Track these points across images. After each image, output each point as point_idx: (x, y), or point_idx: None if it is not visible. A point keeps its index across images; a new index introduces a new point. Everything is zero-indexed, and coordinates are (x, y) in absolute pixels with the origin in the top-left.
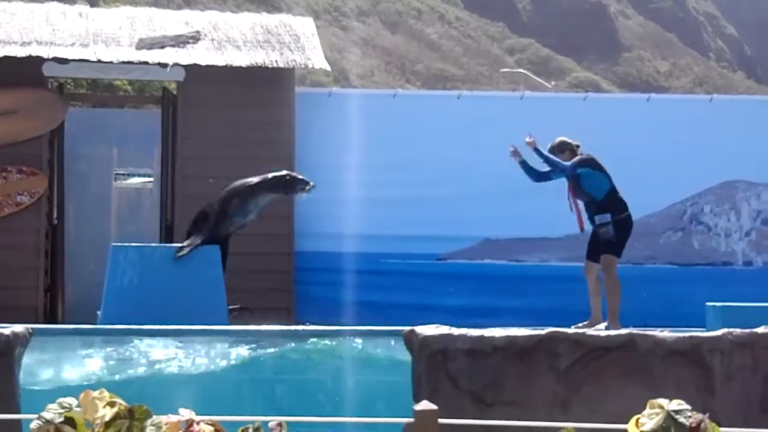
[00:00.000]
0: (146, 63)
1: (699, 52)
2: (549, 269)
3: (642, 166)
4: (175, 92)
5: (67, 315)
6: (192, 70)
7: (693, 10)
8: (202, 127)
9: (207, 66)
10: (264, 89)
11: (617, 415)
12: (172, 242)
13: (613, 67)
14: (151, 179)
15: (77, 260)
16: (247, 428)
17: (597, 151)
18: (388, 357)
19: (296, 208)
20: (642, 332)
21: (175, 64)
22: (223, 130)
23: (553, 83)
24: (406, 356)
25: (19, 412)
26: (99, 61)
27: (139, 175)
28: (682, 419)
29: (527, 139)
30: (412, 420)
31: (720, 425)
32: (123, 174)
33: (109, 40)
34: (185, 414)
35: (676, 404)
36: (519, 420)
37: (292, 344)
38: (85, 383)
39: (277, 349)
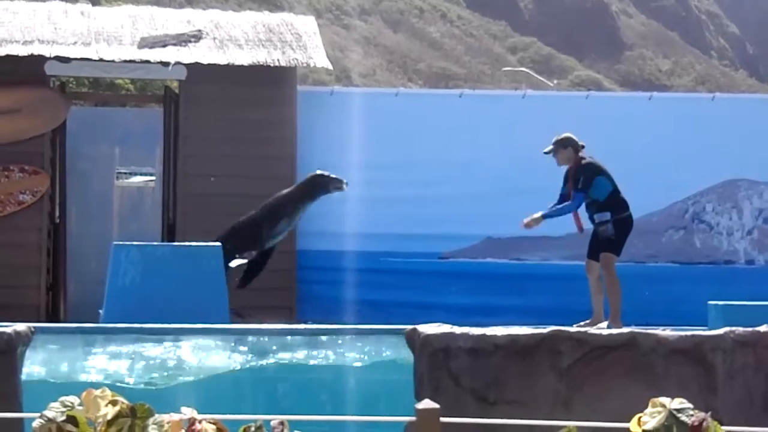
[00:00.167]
0: (148, 62)
1: (701, 51)
2: (551, 268)
3: (644, 164)
4: (177, 91)
5: (69, 314)
6: (194, 68)
7: (695, 8)
8: (204, 125)
9: (209, 65)
10: (266, 88)
11: (619, 414)
12: (174, 241)
13: (615, 65)
14: (153, 178)
15: (79, 259)
16: (249, 427)
17: (599, 150)
18: (390, 356)
19: None
20: (644, 331)
21: (177, 63)
22: (225, 129)
23: (555, 82)
24: (408, 355)
25: (21, 411)
26: (101, 60)
27: (141, 174)
28: (684, 418)
29: (525, 222)
30: (414, 418)
31: (722, 424)
32: (125, 173)
33: (111, 38)
34: (187, 413)
35: (678, 403)
36: (521, 419)
37: (294, 343)
38: (87, 382)
39: (278, 348)
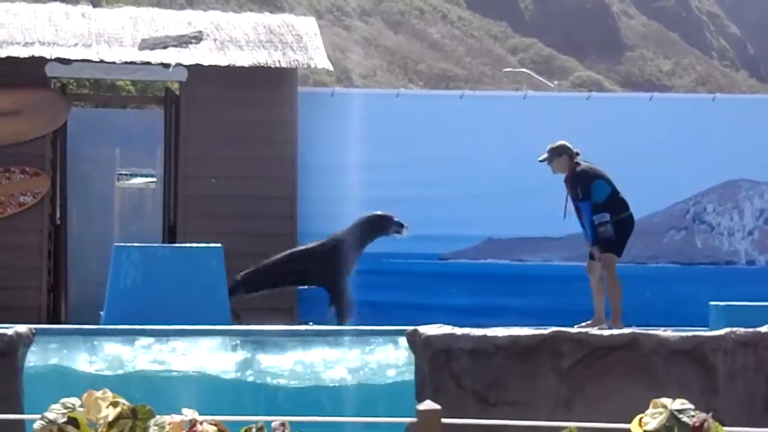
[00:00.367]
0: (149, 63)
1: (702, 51)
2: (552, 269)
3: (644, 165)
4: (177, 92)
5: (70, 315)
6: (194, 70)
7: (696, 9)
8: (204, 127)
9: (210, 66)
10: (267, 89)
11: (620, 415)
12: (174, 242)
13: (615, 66)
14: (154, 179)
15: (80, 260)
16: (250, 428)
17: (600, 151)
18: (391, 357)
19: (299, 208)
20: (645, 332)
21: (178, 65)
22: (226, 130)
23: (555, 83)
24: (409, 356)
25: (22, 413)
26: (102, 62)
27: (141, 176)
28: (685, 419)
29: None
30: (415, 420)
31: (723, 425)
32: (126, 174)
33: (112, 40)
34: (188, 414)
35: (680, 404)
36: (522, 420)
37: (295, 344)
38: (88, 383)
39: (279, 349)
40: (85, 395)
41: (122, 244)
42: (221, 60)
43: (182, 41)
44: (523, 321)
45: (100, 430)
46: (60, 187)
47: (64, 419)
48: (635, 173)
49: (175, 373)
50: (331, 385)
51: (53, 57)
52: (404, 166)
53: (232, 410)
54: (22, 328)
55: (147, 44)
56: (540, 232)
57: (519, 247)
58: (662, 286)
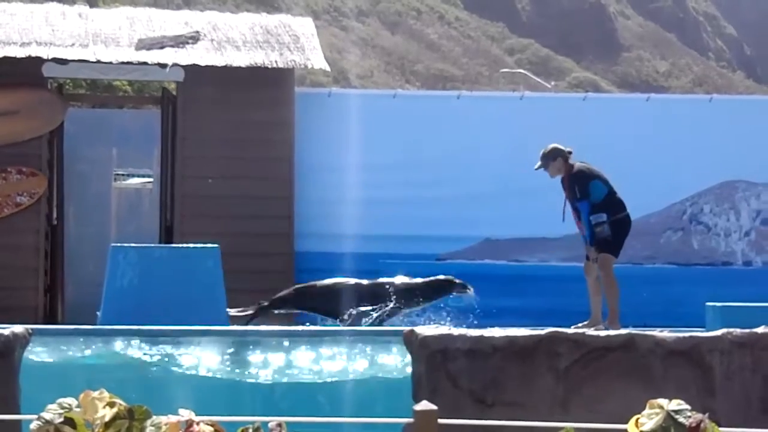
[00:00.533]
0: (146, 63)
1: (698, 52)
2: (549, 269)
3: (641, 166)
4: (174, 93)
5: (66, 315)
6: (191, 70)
7: (692, 10)
8: (201, 127)
9: (206, 66)
10: (263, 89)
11: (617, 415)
12: (171, 242)
13: (612, 67)
14: (151, 179)
15: (77, 261)
16: (247, 429)
17: (597, 151)
18: (388, 357)
19: (296, 209)
20: (642, 332)
21: (175, 65)
22: (223, 131)
23: (552, 83)
24: (406, 356)
25: (18, 413)
26: (98, 62)
27: (138, 176)
28: (681, 419)
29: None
30: (412, 420)
31: (720, 425)
32: (122, 174)
33: (109, 40)
34: (185, 414)
35: (676, 404)
36: (519, 420)
37: (292, 345)
38: (85, 383)
39: (277, 350)
40: (81, 395)
41: (119, 244)
42: (218, 60)
43: (179, 41)
44: (520, 321)
45: (96, 430)
46: (57, 187)
47: (61, 419)
48: (632, 174)
49: (171, 374)
50: (328, 385)
51: (50, 57)
52: (401, 166)
53: (229, 410)
54: (18, 329)
55: (144, 44)
56: (537, 233)
57: (516, 247)
58: (659, 286)
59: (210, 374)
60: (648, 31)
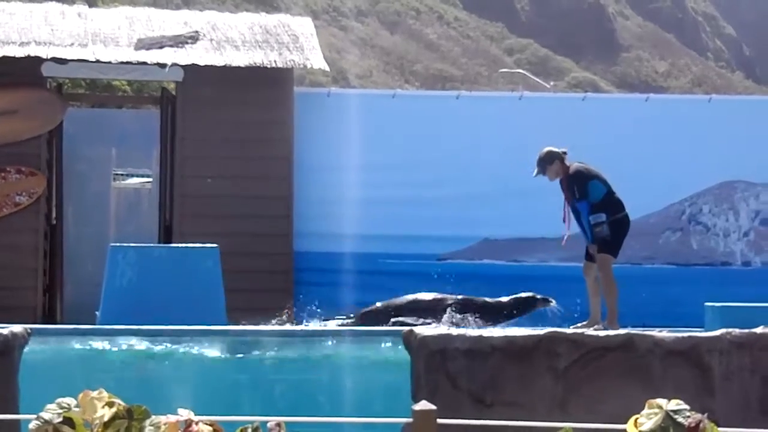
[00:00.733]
0: (145, 63)
1: (697, 52)
2: (548, 269)
3: (640, 166)
4: (173, 92)
5: (65, 315)
6: (191, 70)
7: (691, 10)
8: (200, 127)
9: (206, 66)
10: (263, 89)
11: (616, 416)
12: (170, 242)
13: (611, 67)
14: (150, 179)
15: (76, 260)
16: (246, 428)
17: (596, 152)
18: (387, 357)
19: (295, 208)
20: (641, 332)
21: (174, 65)
22: (222, 130)
23: (551, 83)
24: (405, 356)
25: (18, 413)
26: (98, 62)
27: (137, 176)
28: (680, 419)
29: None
30: (410, 420)
31: (718, 425)
32: (122, 174)
33: (108, 40)
34: (184, 414)
35: (675, 404)
36: (518, 420)
37: (291, 344)
38: (84, 383)
39: (276, 350)
40: (80, 395)
41: (118, 244)
42: (217, 60)
43: (178, 41)
44: (520, 321)
45: (95, 430)
46: (56, 187)
47: (60, 419)
48: (631, 174)
49: (170, 373)
50: (328, 385)
51: (49, 57)
52: (401, 166)
53: (228, 410)
54: (17, 329)
55: (143, 44)
56: (536, 233)
57: (515, 247)
58: (658, 287)
59: (209, 374)
60: (647, 32)
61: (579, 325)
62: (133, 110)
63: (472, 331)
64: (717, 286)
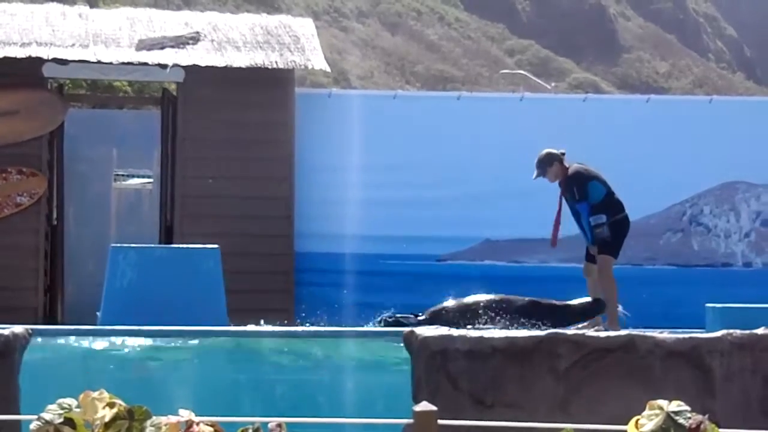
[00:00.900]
0: (146, 64)
1: (698, 53)
2: (549, 270)
3: (641, 167)
4: (174, 93)
5: (66, 316)
6: (192, 71)
7: (692, 11)
8: (201, 127)
9: (207, 67)
10: (264, 90)
11: (617, 417)
12: (171, 243)
13: (612, 68)
14: (151, 180)
15: (77, 261)
16: (247, 429)
17: (596, 153)
18: (388, 358)
19: (296, 209)
20: (642, 333)
21: (175, 65)
22: (223, 131)
23: (552, 84)
24: (406, 357)
25: (18, 413)
26: (99, 62)
27: (138, 176)
28: (681, 420)
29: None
30: (411, 421)
31: (720, 426)
32: (123, 175)
33: (109, 41)
34: (185, 415)
35: (676, 405)
36: (518, 421)
37: (292, 345)
38: (85, 384)
39: (276, 350)
40: (81, 396)
41: (119, 244)
42: (218, 61)
43: (179, 42)
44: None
45: (96, 430)
46: (57, 187)
47: (61, 420)
48: (632, 175)
49: (171, 374)
50: (329, 385)
51: (50, 57)
52: (401, 167)
53: (229, 411)
54: (18, 329)
55: (144, 45)
56: (537, 234)
57: (516, 248)
58: (659, 287)
59: (210, 374)
60: (648, 33)
61: (580, 325)
62: (134, 111)
63: (473, 332)
64: (718, 287)
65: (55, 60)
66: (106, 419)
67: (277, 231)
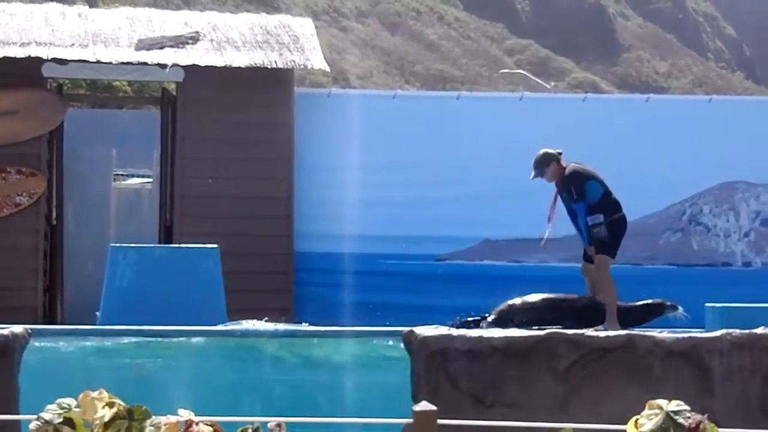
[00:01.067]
0: (145, 64)
1: (698, 53)
2: (549, 270)
3: (641, 166)
4: (174, 93)
5: (66, 315)
6: (191, 70)
7: (692, 10)
8: (201, 127)
9: (206, 67)
10: (263, 90)
11: (616, 416)
12: (171, 243)
13: (612, 67)
14: (150, 180)
15: (76, 261)
16: (246, 429)
17: (596, 152)
18: (388, 358)
19: (295, 209)
20: (641, 333)
21: (174, 65)
22: (222, 131)
23: (552, 84)
24: (406, 357)
25: (18, 413)
26: (98, 62)
27: (138, 176)
28: (681, 420)
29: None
30: (411, 420)
31: (719, 426)
32: (122, 174)
33: (109, 40)
34: (184, 414)
35: (675, 405)
36: (518, 421)
37: (292, 344)
38: (84, 383)
39: (276, 350)
40: (81, 395)
41: (118, 244)
42: (218, 60)
43: (179, 42)
44: None
45: (96, 430)
46: (56, 187)
47: (60, 420)
48: (631, 175)
49: (171, 374)
50: (328, 385)
51: (50, 57)
52: (401, 167)
53: (229, 410)
54: (18, 329)
55: (144, 45)
56: (537, 233)
57: (516, 248)
58: (658, 287)
59: (209, 374)
60: (647, 32)
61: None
62: (134, 111)
63: (473, 332)
64: (717, 287)
65: (55, 60)
66: (106, 419)
67: (277, 231)
